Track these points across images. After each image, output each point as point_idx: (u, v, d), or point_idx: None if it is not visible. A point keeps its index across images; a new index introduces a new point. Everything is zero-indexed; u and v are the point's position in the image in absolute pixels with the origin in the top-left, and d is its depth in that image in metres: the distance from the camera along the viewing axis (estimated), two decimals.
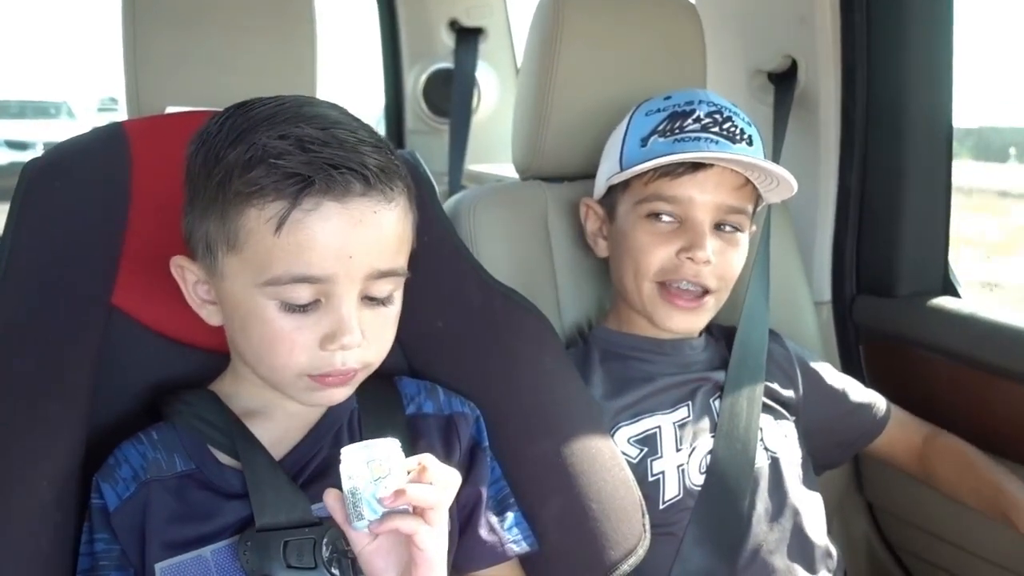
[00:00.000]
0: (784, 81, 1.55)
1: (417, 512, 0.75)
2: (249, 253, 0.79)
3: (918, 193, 1.49)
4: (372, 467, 0.73)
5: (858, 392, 1.29)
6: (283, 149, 0.77)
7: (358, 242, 0.79)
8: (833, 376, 1.29)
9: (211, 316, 0.87)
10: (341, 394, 0.86)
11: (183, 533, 0.83)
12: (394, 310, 0.86)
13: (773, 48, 1.57)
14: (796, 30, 1.53)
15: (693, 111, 1.14)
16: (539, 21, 1.31)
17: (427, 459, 0.77)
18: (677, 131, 1.13)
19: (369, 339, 0.82)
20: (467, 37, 2.41)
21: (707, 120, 1.13)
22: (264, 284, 0.79)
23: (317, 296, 0.80)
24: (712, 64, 1.38)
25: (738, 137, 1.13)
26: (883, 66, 1.48)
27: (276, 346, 0.81)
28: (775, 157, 1.43)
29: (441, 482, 0.76)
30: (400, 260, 0.84)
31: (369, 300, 0.83)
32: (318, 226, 0.77)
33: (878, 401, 1.29)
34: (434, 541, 0.75)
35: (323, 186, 0.77)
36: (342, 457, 0.74)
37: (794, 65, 1.54)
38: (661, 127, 1.15)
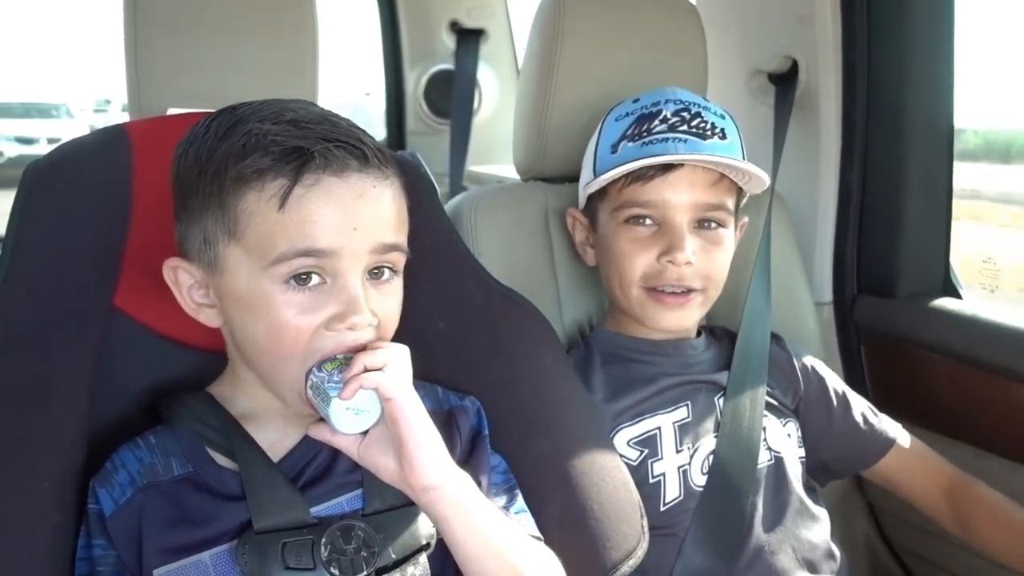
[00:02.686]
0: (785, 81, 1.55)
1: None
2: (251, 238, 0.79)
3: (919, 193, 1.49)
4: (326, 366, 0.80)
5: (866, 410, 1.25)
6: (278, 130, 0.78)
7: (361, 215, 0.79)
8: (839, 387, 1.26)
9: (210, 319, 0.86)
10: None
11: (181, 538, 0.82)
12: (398, 289, 0.86)
13: (774, 48, 1.57)
14: (797, 30, 1.53)
15: (660, 111, 1.14)
16: (540, 22, 1.31)
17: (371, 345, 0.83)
18: (645, 134, 1.13)
19: (378, 316, 0.82)
20: (468, 38, 2.42)
21: (674, 119, 1.13)
22: (269, 265, 0.79)
23: (323, 275, 0.80)
24: (713, 65, 1.39)
25: (709, 132, 1.13)
26: (884, 66, 1.48)
27: (282, 335, 0.80)
28: (776, 157, 1.43)
29: (386, 347, 0.81)
30: (401, 237, 0.85)
31: (374, 278, 0.83)
32: (320, 200, 0.78)
33: (890, 426, 1.25)
34: (400, 388, 0.79)
35: (322, 161, 0.77)
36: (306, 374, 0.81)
37: (795, 65, 1.54)
38: (630, 131, 1.15)
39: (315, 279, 0.80)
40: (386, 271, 0.84)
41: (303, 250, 0.78)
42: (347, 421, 0.79)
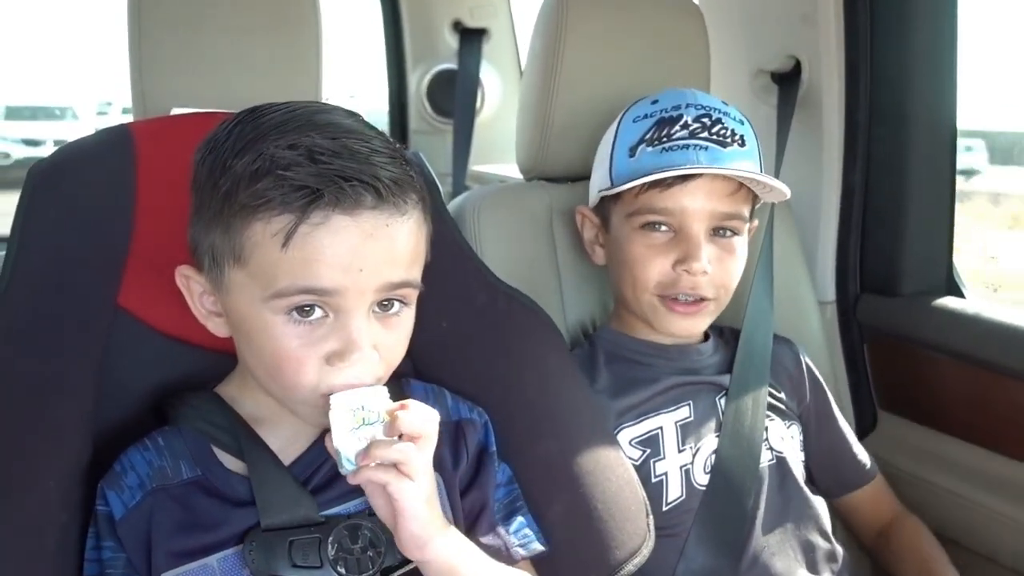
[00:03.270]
0: (787, 81, 1.55)
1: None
2: (254, 267, 0.77)
3: (922, 192, 1.49)
4: (356, 415, 0.77)
5: (854, 440, 1.29)
6: (292, 160, 0.75)
7: (368, 255, 0.76)
8: (838, 412, 1.28)
9: (218, 328, 0.86)
10: None
11: (189, 543, 0.82)
12: (407, 321, 0.84)
13: (776, 48, 1.57)
14: (799, 30, 1.53)
15: (680, 116, 1.12)
16: (543, 21, 1.31)
17: (408, 403, 0.79)
18: (665, 139, 1.11)
19: (381, 353, 0.81)
20: (471, 38, 2.42)
21: (695, 125, 1.11)
22: (270, 298, 0.77)
23: (325, 310, 0.78)
24: (716, 64, 1.38)
25: (729, 140, 1.11)
26: (886, 66, 1.48)
27: (284, 364, 0.79)
28: (778, 157, 1.43)
29: (416, 429, 0.78)
30: (414, 272, 0.82)
31: (380, 312, 0.81)
32: (326, 240, 0.75)
33: (869, 457, 1.29)
34: (408, 493, 0.77)
35: (332, 199, 0.74)
36: (331, 404, 0.77)
37: (798, 65, 1.54)
38: (649, 135, 1.12)
39: (317, 312, 0.78)
40: (395, 304, 0.82)
41: (305, 288, 0.76)
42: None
